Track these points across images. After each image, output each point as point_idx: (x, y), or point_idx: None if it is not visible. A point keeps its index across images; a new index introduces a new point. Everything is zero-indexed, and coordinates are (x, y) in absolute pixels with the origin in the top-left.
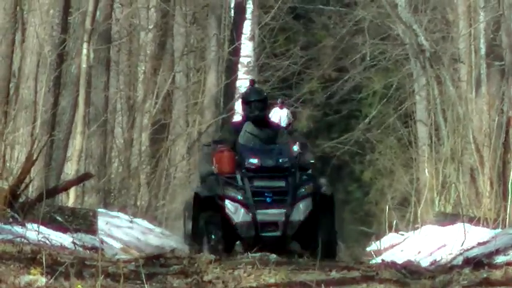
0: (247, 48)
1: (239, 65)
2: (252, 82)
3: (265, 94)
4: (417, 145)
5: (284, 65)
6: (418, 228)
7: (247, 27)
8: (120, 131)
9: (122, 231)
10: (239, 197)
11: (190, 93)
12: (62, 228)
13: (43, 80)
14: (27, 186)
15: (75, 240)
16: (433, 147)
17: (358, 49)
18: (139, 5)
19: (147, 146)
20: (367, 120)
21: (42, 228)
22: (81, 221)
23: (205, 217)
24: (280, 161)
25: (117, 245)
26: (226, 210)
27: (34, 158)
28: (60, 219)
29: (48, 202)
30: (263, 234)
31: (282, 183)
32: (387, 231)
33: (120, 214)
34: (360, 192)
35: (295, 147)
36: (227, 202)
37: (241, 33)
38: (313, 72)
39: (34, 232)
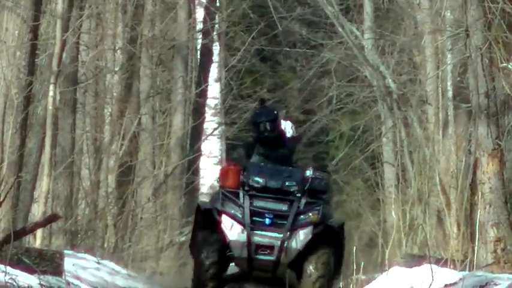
0: (214, 90)
1: (206, 107)
2: (262, 102)
3: (275, 113)
4: (384, 187)
5: (251, 107)
6: (385, 270)
7: (213, 69)
8: (87, 172)
9: (88, 273)
10: (237, 214)
11: (156, 135)
12: (29, 269)
13: (10, 122)
14: None
15: (42, 282)
16: (400, 189)
17: (325, 91)
18: (105, 47)
19: (113, 188)
20: (334, 162)
21: (10, 269)
22: (48, 263)
23: (203, 235)
24: (287, 183)
25: (84, 287)
26: (222, 226)
27: (1, 199)
28: (27, 260)
29: (16, 243)
30: (257, 256)
31: (284, 207)
32: (354, 273)
33: (87, 255)
34: None
35: (309, 172)
36: (224, 217)
37: (208, 75)
38: (280, 115)
39: (1, 273)
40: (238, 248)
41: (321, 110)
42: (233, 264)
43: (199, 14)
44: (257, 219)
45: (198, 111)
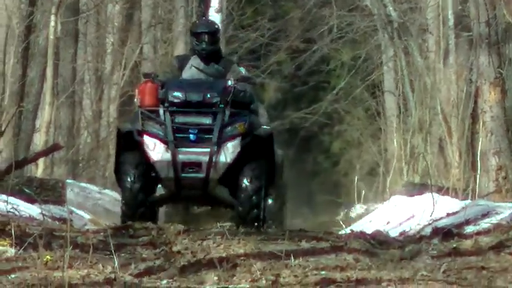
0: (215, 20)
1: None
2: (203, 14)
3: (216, 26)
4: (385, 116)
5: (252, 37)
6: (386, 198)
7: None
8: (89, 102)
9: (90, 202)
10: (159, 133)
11: (158, 65)
12: (30, 199)
13: (11, 52)
14: None
15: (43, 212)
16: (401, 118)
17: (325, 21)
18: None
19: (115, 118)
20: (335, 91)
21: (11, 199)
22: (49, 192)
23: (126, 159)
24: (208, 95)
25: (86, 216)
26: (145, 147)
27: (2, 129)
28: (28, 190)
29: (17, 173)
30: (184, 175)
31: (208, 120)
32: (356, 201)
33: (89, 185)
34: (328, 163)
35: (230, 81)
36: (146, 138)
37: (209, 5)
38: (281, 44)
39: (3, 203)
40: (164, 168)
41: (322, 39)
42: (160, 186)
43: None
44: (181, 135)
45: None
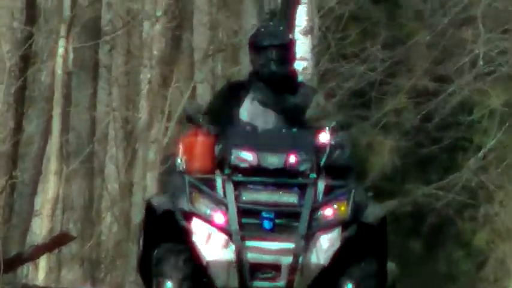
0: (302, 46)
1: None
2: (272, 15)
3: (290, 37)
4: None
5: (358, 71)
6: None
7: (301, 15)
8: (114, 169)
9: None
10: (217, 217)
11: None
12: None
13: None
14: None
15: None
16: None
17: (467, 48)
18: None
19: (154, 194)
20: (481, 154)
21: None
22: None
23: (161, 251)
24: (294, 159)
25: None
26: (193, 238)
27: None
28: None
29: (9, 278)
30: (255, 283)
31: (294, 199)
32: None
33: None
34: (470, 264)
35: (326, 135)
36: (195, 223)
37: (294, 24)
38: (401, 83)
39: None
40: (222, 273)
41: (461, 75)
42: None
43: None
44: (250, 221)
45: None
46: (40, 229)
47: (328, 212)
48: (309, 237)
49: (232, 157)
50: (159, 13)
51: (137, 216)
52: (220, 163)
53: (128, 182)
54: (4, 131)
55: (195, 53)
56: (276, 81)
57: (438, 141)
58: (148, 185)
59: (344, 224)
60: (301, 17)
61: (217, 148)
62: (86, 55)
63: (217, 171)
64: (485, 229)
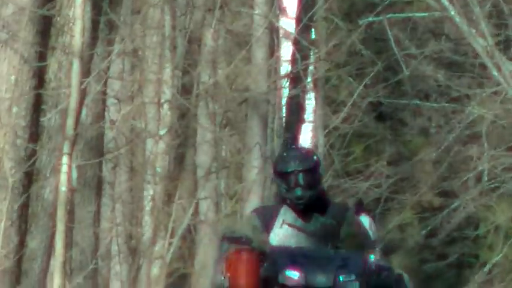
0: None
1: None
2: (294, 138)
3: (315, 158)
4: None
5: (362, 187)
6: None
7: (306, 133)
8: (119, 286)
9: None
10: None
11: (219, 227)
12: None
13: (3, 210)
14: None
15: None
16: None
17: (472, 164)
18: (145, 100)
19: None
20: (486, 268)
21: None
22: None
23: None
24: (342, 278)
25: None
26: None
27: None
28: None
29: None
30: None
31: None
32: None
33: None
34: None
35: (373, 256)
36: None
37: (298, 142)
38: (406, 199)
39: None
40: None
41: (467, 191)
42: None
43: (286, 50)
44: None
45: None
46: None
47: None
48: None
49: (280, 275)
50: (162, 131)
51: None
52: (266, 282)
53: None
54: (7, 247)
55: (198, 170)
56: (304, 205)
57: (444, 257)
58: None
59: None
60: (306, 134)
61: (261, 267)
62: (89, 172)
63: None
64: None
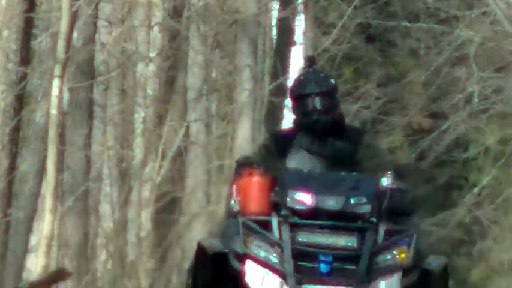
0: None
1: (285, 110)
2: (310, 60)
3: (332, 82)
4: None
5: (352, 109)
6: None
7: (296, 55)
8: (109, 208)
9: None
10: (271, 259)
11: (212, 152)
12: None
13: None
14: None
15: None
16: None
17: (461, 86)
18: (135, 23)
19: (149, 231)
20: (476, 190)
21: None
22: None
23: None
24: (353, 201)
25: None
26: (247, 281)
27: None
28: None
29: None
30: None
31: (352, 242)
32: None
33: None
34: None
35: (387, 180)
36: (249, 266)
37: (289, 63)
38: (396, 121)
39: None
40: None
41: (456, 112)
42: None
43: None
44: (306, 264)
45: (273, 117)
46: (35, 266)
47: (388, 256)
48: (368, 282)
49: (289, 199)
50: (153, 54)
51: (132, 253)
52: (276, 205)
53: (123, 220)
54: None
55: (189, 93)
56: (319, 128)
57: (433, 179)
58: (143, 223)
59: (405, 270)
60: (297, 56)
61: (273, 192)
62: (81, 95)
63: (273, 213)
64: (480, 265)
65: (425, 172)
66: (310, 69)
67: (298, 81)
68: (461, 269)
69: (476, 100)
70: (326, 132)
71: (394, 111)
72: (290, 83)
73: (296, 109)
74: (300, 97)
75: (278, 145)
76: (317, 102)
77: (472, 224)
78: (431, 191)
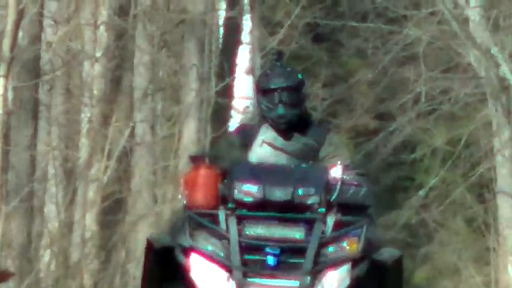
0: (244, 86)
1: (232, 111)
2: (279, 56)
3: (299, 77)
4: (497, 230)
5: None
6: None
7: (243, 54)
8: (54, 209)
9: None
10: (218, 253)
11: (158, 153)
12: None
13: None
14: None
15: None
16: None
17: (409, 86)
18: (82, 21)
19: (94, 231)
20: (422, 192)
21: None
22: None
23: None
24: (301, 192)
25: None
26: (193, 275)
27: None
28: None
29: None
30: None
31: (300, 234)
32: None
33: None
34: None
35: (337, 171)
36: (195, 259)
37: (235, 64)
38: (342, 122)
39: None
40: None
41: (404, 113)
42: None
43: None
44: (253, 257)
45: (220, 117)
46: None
47: (337, 248)
48: (316, 274)
49: (236, 191)
50: (99, 53)
51: (76, 253)
52: (224, 198)
53: (68, 221)
54: None
55: (135, 93)
56: (285, 124)
57: (379, 181)
58: (88, 224)
59: (354, 261)
60: (244, 56)
61: (221, 185)
62: (25, 94)
63: (221, 206)
64: (425, 267)
65: (372, 174)
66: (278, 63)
67: (265, 75)
68: (405, 271)
69: (423, 100)
70: (291, 128)
71: (340, 113)
72: (237, 83)
73: (262, 103)
74: (266, 91)
75: (241, 138)
76: (284, 96)
77: (417, 226)
78: (379, 192)
